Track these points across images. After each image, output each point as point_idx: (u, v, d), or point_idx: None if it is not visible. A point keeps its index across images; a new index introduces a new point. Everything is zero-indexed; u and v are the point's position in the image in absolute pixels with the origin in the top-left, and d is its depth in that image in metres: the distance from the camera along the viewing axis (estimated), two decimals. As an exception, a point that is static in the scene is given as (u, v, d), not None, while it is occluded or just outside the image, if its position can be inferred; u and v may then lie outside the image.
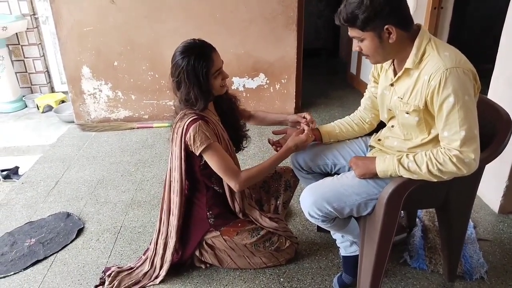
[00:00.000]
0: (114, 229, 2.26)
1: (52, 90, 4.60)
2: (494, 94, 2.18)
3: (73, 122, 3.73)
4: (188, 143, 1.61)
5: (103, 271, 1.91)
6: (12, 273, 1.96)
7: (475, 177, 1.55)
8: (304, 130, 1.72)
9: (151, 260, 1.87)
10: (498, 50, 2.17)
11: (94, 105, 3.64)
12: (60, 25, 3.33)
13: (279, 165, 1.98)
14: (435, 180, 1.37)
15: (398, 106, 1.46)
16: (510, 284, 1.81)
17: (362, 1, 1.29)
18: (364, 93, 1.81)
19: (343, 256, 1.82)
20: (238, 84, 3.65)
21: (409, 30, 1.36)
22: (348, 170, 1.70)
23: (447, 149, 1.34)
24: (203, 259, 1.87)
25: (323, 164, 1.76)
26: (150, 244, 1.96)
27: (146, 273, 1.85)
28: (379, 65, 1.61)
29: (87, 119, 3.69)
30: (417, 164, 1.36)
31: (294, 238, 1.99)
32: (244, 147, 1.96)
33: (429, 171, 1.34)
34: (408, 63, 1.37)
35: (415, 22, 1.39)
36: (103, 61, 3.49)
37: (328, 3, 5.84)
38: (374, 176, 1.47)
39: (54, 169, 2.93)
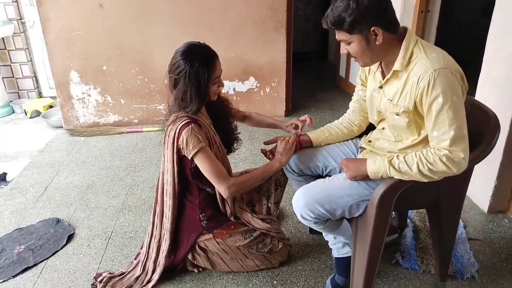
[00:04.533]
0: (105, 235, 2.24)
1: (40, 95, 4.54)
2: (481, 95, 2.22)
3: (62, 127, 3.69)
4: (181, 147, 1.61)
5: (94, 277, 1.89)
6: (1, 280, 1.93)
7: (465, 177, 1.58)
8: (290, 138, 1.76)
9: (143, 264, 1.85)
10: (485, 52, 2.21)
11: (83, 109, 3.61)
12: (48, 29, 3.30)
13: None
14: (426, 181, 1.39)
15: (388, 108, 1.48)
16: (500, 282, 1.84)
17: (349, 4, 1.31)
18: (352, 96, 1.83)
19: (335, 257, 1.83)
20: (228, 87, 3.66)
21: (395, 32, 1.39)
22: (339, 172, 1.70)
23: (436, 149, 1.36)
24: (195, 262, 1.85)
25: (314, 167, 1.77)
26: (142, 248, 1.94)
27: (138, 277, 1.84)
28: (366, 68, 1.62)
29: (76, 124, 3.65)
30: (407, 165, 1.38)
31: (287, 240, 1.99)
32: (235, 149, 1.96)
33: (419, 171, 1.36)
34: (397, 65, 1.39)
35: (402, 25, 1.42)
36: (91, 66, 3.46)
37: (316, 8, 5.88)
38: (365, 177, 1.48)
39: (43, 174, 2.90)
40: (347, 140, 1.84)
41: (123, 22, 3.37)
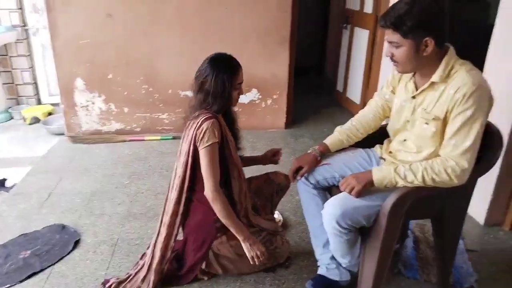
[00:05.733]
0: (111, 241, 2.26)
1: (39, 102, 4.55)
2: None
3: (62, 134, 3.70)
4: (197, 136, 1.67)
5: (102, 283, 1.91)
6: (8, 285, 1.93)
7: (469, 189, 1.66)
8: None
9: (149, 264, 1.86)
10: (483, 70, 2.30)
11: (86, 117, 3.64)
12: (56, 36, 3.34)
13: (269, 171, 2.09)
14: (425, 187, 1.47)
15: (419, 117, 1.54)
16: (499, 292, 1.91)
17: (411, 9, 1.35)
18: (371, 103, 1.88)
19: (320, 275, 1.86)
20: (230, 99, 3.72)
21: (442, 47, 1.45)
22: None
23: (445, 159, 1.44)
24: (206, 269, 1.88)
25: (331, 177, 1.81)
26: (148, 248, 1.96)
27: (144, 278, 1.85)
28: (397, 77, 1.68)
29: (78, 131, 3.67)
30: (413, 173, 1.46)
31: (285, 237, 2.09)
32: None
33: (423, 180, 1.45)
34: (435, 77, 1.46)
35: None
36: (97, 74, 3.51)
37: (315, 24, 6.03)
38: (370, 185, 1.53)
39: (46, 180, 2.91)
40: (358, 149, 1.88)
41: (131, 32, 3.43)
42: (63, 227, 2.36)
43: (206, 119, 1.68)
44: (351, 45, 4.34)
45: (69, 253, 2.15)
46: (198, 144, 1.69)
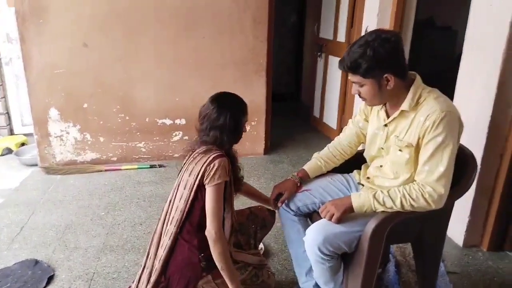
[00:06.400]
0: (86, 276, 2.18)
1: (11, 132, 4.44)
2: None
3: (35, 165, 3.60)
4: (207, 172, 1.65)
5: None
6: (-25, 327, 1.82)
7: (447, 212, 1.69)
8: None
9: None
10: (453, 99, 2.39)
11: (60, 147, 3.55)
12: (30, 66, 3.29)
13: (254, 205, 2.05)
14: (404, 212, 1.50)
15: (393, 144, 1.59)
16: (481, 314, 1.92)
17: (365, 51, 1.43)
18: (345, 130, 1.93)
19: None
20: (209, 126, 3.72)
21: (405, 78, 1.52)
22: None
23: (421, 185, 1.47)
24: None
25: (311, 203, 1.82)
26: (133, 282, 1.88)
27: None
28: (369, 106, 1.73)
29: (52, 161, 3.58)
30: (391, 199, 1.49)
31: (271, 270, 2.03)
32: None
33: (402, 205, 1.48)
34: (404, 106, 1.52)
35: (411, 72, 1.57)
36: (72, 103, 3.45)
37: (290, 52, 6.17)
38: (350, 211, 1.55)
39: (18, 214, 2.80)
40: (336, 174, 1.90)
41: (107, 61, 3.41)
42: (36, 262, 2.26)
43: (218, 156, 1.67)
44: (326, 73, 4.45)
45: (42, 290, 2.06)
46: (206, 180, 1.66)
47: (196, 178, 1.68)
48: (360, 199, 1.54)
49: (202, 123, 1.75)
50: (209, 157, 1.68)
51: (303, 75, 5.75)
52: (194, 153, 1.75)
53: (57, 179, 3.37)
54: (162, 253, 1.73)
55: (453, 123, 1.45)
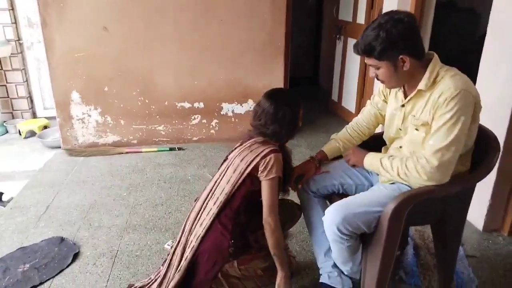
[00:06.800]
0: (110, 253, 2.25)
1: (34, 115, 4.54)
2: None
3: (58, 147, 3.69)
4: (261, 165, 1.69)
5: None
6: (7, 300, 1.91)
7: (468, 194, 1.68)
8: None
9: (165, 271, 1.83)
10: (477, 78, 2.35)
11: (82, 130, 3.63)
12: (52, 50, 3.35)
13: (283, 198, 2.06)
14: (405, 183, 1.55)
15: (410, 124, 1.58)
16: (499, 297, 1.92)
17: (379, 34, 1.43)
18: (364, 111, 1.94)
19: (323, 283, 1.86)
20: (227, 109, 3.75)
21: (421, 59, 1.51)
22: (355, 190, 1.82)
23: (419, 156, 1.48)
24: (214, 286, 1.84)
25: (331, 185, 1.84)
26: (168, 255, 1.91)
27: (161, 283, 1.82)
28: None
29: (75, 144, 3.66)
30: (391, 166, 1.53)
31: (292, 253, 2.10)
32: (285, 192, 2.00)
33: (398, 173, 1.52)
34: (421, 85, 1.51)
35: (428, 51, 1.55)
36: (93, 87, 3.51)
37: (308, 35, 6.10)
38: (362, 166, 1.68)
39: (43, 194, 2.89)
40: None
41: (127, 45, 3.45)
42: (62, 239, 2.35)
43: (274, 151, 1.72)
44: (345, 56, 4.40)
45: (68, 266, 2.14)
46: (261, 172, 1.70)
47: (248, 165, 1.71)
48: (371, 159, 1.64)
49: (259, 119, 1.77)
50: (265, 149, 1.72)
51: (321, 59, 5.69)
52: (251, 140, 1.79)
53: (79, 160, 3.46)
54: (200, 231, 1.76)
55: (466, 102, 1.42)
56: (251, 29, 3.54)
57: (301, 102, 1.83)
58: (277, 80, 3.67)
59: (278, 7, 3.51)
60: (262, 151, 1.72)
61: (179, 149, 3.68)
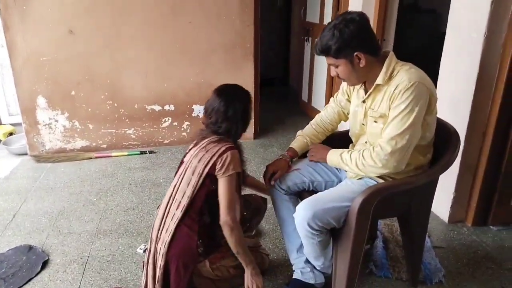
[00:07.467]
0: (81, 260, 2.20)
1: (-2, 122, 4.38)
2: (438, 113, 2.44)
3: (25, 154, 3.58)
4: (219, 162, 1.69)
5: None
6: (-28, 312, 1.84)
7: (431, 187, 1.75)
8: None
9: (145, 283, 1.82)
10: (439, 73, 2.44)
11: (49, 135, 3.54)
12: (15, 54, 3.25)
13: (247, 193, 2.11)
14: (363, 174, 1.63)
15: (369, 116, 1.65)
16: (465, 285, 2.00)
17: (333, 33, 1.51)
18: (327, 108, 2.00)
19: (296, 279, 1.90)
20: (198, 111, 3.74)
21: (377, 55, 1.58)
22: (325, 186, 1.87)
23: (375, 146, 1.56)
24: None
25: (301, 182, 1.87)
26: (143, 265, 1.88)
27: None
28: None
29: (42, 150, 3.57)
30: (350, 158, 1.62)
31: (265, 250, 2.11)
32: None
33: (356, 164, 1.60)
34: (379, 80, 1.58)
35: (385, 50, 1.63)
36: (60, 91, 3.43)
37: (278, 36, 6.16)
38: (324, 161, 1.78)
39: (10, 202, 2.80)
40: None
41: (93, 48, 3.39)
42: (30, 248, 2.28)
43: (230, 148, 1.72)
44: (313, 57, 4.47)
45: (37, 274, 2.08)
46: (218, 170, 1.70)
47: (206, 166, 1.71)
48: (331, 154, 1.73)
49: (210, 117, 1.78)
50: (221, 147, 1.72)
51: (291, 60, 5.76)
52: (206, 140, 1.78)
53: (47, 167, 3.37)
54: (167, 237, 1.75)
55: (420, 93, 1.49)
56: (220, 30, 3.55)
57: (250, 96, 1.85)
58: (248, 80, 3.70)
59: (247, 8, 3.54)
60: (218, 150, 1.72)
61: (150, 152, 3.65)
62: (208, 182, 1.73)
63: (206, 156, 1.72)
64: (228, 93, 1.79)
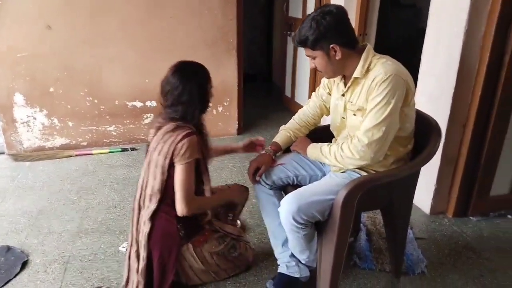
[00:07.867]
0: (62, 259, 2.16)
1: (-27, 120, 4.26)
2: (418, 108, 2.47)
3: (2, 153, 3.49)
4: (176, 151, 1.64)
5: None
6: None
7: (413, 180, 1.77)
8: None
9: (127, 276, 1.81)
10: (420, 68, 2.47)
11: (27, 133, 3.45)
12: (-10, 50, 3.16)
13: (231, 183, 2.09)
14: (341, 166, 1.65)
15: (348, 109, 1.66)
16: (446, 274, 2.03)
17: (311, 25, 1.53)
18: (309, 103, 2.00)
19: (281, 273, 1.90)
20: (180, 108, 3.69)
21: (353, 48, 1.59)
22: (309, 180, 1.87)
23: (353, 138, 1.58)
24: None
25: (286, 177, 1.87)
26: (125, 261, 1.87)
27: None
28: (332, 79, 1.80)
29: (20, 148, 3.48)
30: (329, 151, 1.65)
31: (249, 243, 2.10)
32: None
33: (335, 157, 1.62)
34: (357, 73, 1.59)
35: (363, 43, 1.64)
36: (38, 88, 3.35)
37: (261, 32, 6.14)
38: (305, 154, 1.81)
39: (-14, 202, 2.73)
40: None
41: (72, 43, 3.31)
42: (8, 248, 2.22)
43: (187, 135, 1.65)
44: (296, 52, 4.47)
45: (16, 275, 2.03)
46: (176, 158, 1.66)
47: (166, 157, 1.68)
48: (312, 148, 1.76)
49: (166, 99, 1.70)
50: (177, 136, 1.66)
51: (274, 55, 5.75)
52: (162, 130, 1.72)
53: (26, 166, 3.29)
54: (146, 228, 1.73)
55: (397, 85, 1.51)
56: (202, 25, 3.51)
57: (208, 73, 1.74)
58: (230, 76, 3.68)
59: (229, 2, 3.51)
60: (174, 139, 1.66)
61: (132, 149, 3.60)
62: (173, 172, 1.70)
63: (165, 148, 1.68)
64: (184, 72, 1.69)
